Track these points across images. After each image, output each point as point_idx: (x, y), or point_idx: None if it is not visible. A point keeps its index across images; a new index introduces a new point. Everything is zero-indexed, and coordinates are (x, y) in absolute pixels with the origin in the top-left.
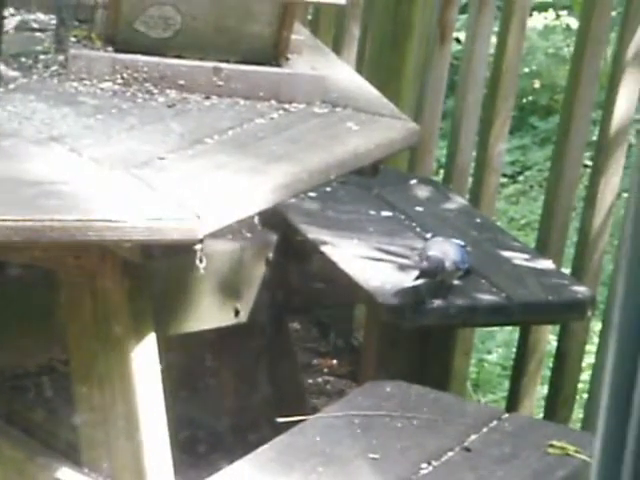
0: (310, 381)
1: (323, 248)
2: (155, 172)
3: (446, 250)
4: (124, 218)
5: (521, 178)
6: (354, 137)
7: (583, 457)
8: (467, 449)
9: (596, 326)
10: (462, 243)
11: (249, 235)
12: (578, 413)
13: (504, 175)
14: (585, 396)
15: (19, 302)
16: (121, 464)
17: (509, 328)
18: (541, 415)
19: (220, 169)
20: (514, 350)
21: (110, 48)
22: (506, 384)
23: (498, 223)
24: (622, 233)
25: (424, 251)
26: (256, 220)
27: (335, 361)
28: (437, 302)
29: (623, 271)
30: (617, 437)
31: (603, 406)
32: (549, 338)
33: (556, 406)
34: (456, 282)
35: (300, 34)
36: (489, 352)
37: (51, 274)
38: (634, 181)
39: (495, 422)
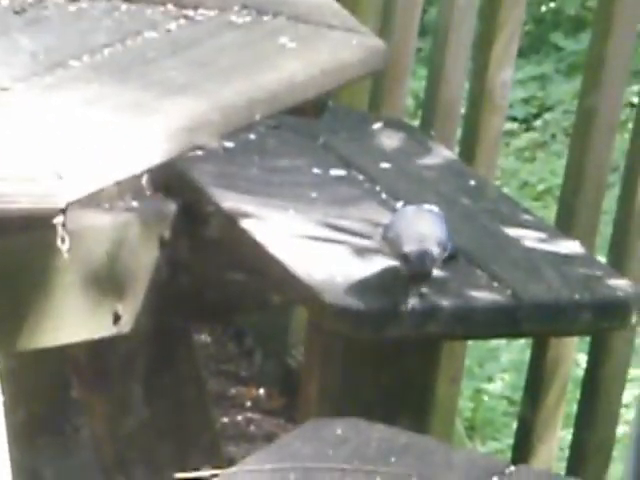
0: (225, 420)
1: (244, 223)
2: None
3: (423, 229)
4: None
5: (538, 123)
6: (290, 59)
7: None
8: None
9: None
10: (436, 209)
11: (135, 204)
12: (617, 467)
13: (513, 119)
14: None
15: None
16: None
17: (519, 343)
18: (564, 469)
19: (91, 105)
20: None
21: None
22: (515, 426)
23: (504, 189)
24: None
25: (394, 242)
26: (145, 182)
27: (262, 390)
28: (411, 302)
29: None
30: None
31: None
32: (576, 357)
33: (585, 456)
34: (435, 272)
35: None
36: (490, 379)
37: None
38: None
39: (495, 478)
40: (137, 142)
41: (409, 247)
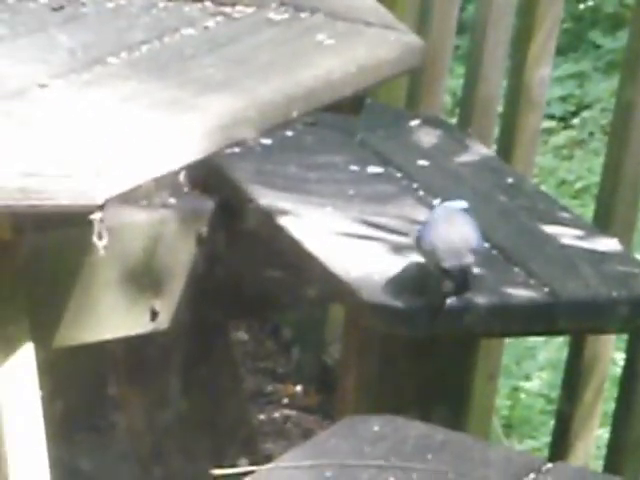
0: (262, 417)
1: (281, 220)
2: (33, 106)
3: (458, 233)
4: None
5: (576, 121)
6: (327, 56)
7: None
8: None
9: None
10: (465, 205)
11: (172, 201)
12: None
13: (551, 117)
14: None
15: None
16: None
17: (557, 341)
18: (600, 467)
19: (129, 102)
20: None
21: None
22: (552, 424)
23: (542, 186)
24: None
25: (429, 254)
26: (182, 179)
27: (299, 387)
28: (448, 300)
29: None
30: None
31: None
32: (613, 355)
33: (622, 454)
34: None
35: None
36: (528, 377)
37: None
38: None
39: (532, 475)
40: (175, 139)
41: (449, 262)
